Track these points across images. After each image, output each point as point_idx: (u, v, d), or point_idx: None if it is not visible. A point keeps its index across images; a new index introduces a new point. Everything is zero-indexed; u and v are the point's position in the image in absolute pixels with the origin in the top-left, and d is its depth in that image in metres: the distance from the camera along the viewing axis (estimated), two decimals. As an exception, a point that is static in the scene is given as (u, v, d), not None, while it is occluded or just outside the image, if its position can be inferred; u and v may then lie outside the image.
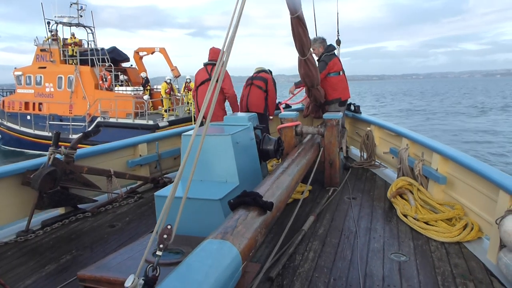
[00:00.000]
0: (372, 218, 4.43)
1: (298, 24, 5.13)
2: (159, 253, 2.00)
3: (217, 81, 2.04)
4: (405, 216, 4.31)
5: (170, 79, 21.64)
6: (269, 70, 7.42)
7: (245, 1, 2.03)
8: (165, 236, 1.93)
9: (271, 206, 2.78)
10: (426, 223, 4.09)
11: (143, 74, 22.58)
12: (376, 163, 6.72)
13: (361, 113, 7.84)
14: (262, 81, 7.02)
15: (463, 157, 4.18)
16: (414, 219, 4.17)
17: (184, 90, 21.67)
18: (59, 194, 4.49)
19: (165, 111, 20.10)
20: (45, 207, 4.45)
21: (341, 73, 7.17)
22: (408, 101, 64.49)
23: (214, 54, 6.39)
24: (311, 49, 5.67)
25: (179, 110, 20.54)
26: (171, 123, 18.60)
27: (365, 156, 6.89)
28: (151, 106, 20.77)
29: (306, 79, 6.15)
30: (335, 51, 7.38)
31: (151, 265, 1.82)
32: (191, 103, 20.77)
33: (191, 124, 18.43)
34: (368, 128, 6.84)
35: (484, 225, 3.83)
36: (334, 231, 4.09)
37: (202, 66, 6.63)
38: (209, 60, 6.51)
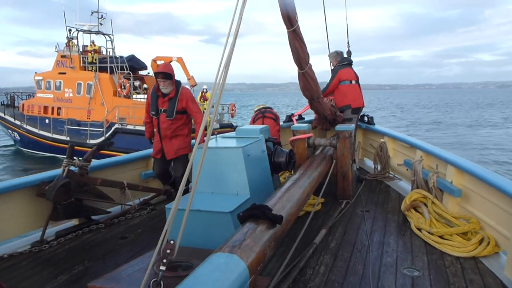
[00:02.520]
0: (385, 232, 4.36)
1: (294, 38, 5.16)
2: (162, 267, 2.01)
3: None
4: (419, 229, 4.24)
5: (191, 89, 21.86)
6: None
7: (243, 12, 2.05)
8: (168, 251, 1.94)
9: (280, 219, 2.76)
10: (441, 237, 4.02)
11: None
12: (390, 175, 6.64)
13: (374, 124, 7.80)
14: (273, 114, 7.19)
15: (478, 170, 4.11)
16: (428, 232, 4.09)
17: (200, 100, 21.87)
18: (73, 205, 4.55)
19: None
20: (60, 218, 4.51)
21: (353, 82, 7.33)
22: (442, 112, 63.10)
23: (165, 69, 5.18)
24: (310, 62, 5.71)
25: None
26: None
27: (379, 168, 6.83)
28: None
29: (305, 92, 6.19)
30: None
31: (155, 279, 1.83)
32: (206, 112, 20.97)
33: (206, 132, 18.60)
34: (382, 140, 6.78)
35: (501, 239, 3.74)
36: (346, 244, 4.04)
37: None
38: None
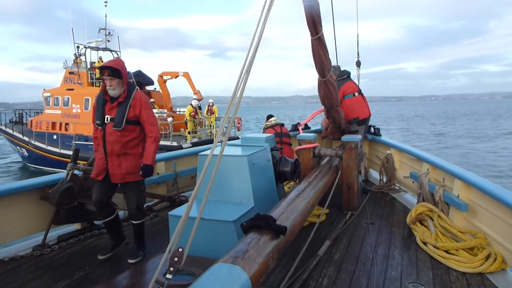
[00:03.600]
0: (390, 245, 4.30)
1: (318, 45, 5.12)
2: (169, 276, 1.98)
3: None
4: (425, 243, 4.18)
5: (198, 103, 21.98)
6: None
7: (265, 25, 2.04)
8: (176, 259, 1.90)
9: (284, 230, 2.72)
10: (447, 251, 3.95)
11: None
12: (396, 187, 6.58)
13: (381, 135, 7.74)
14: (289, 137, 7.08)
15: (486, 184, 4.05)
16: (434, 247, 4.03)
17: (207, 113, 21.99)
18: (76, 209, 4.53)
19: (189, 133, 20.35)
20: (62, 222, 4.50)
21: (356, 94, 7.29)
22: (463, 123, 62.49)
23: (113, 63, 4.24)
24: (331, 71, 5.67)
25: (202, 133, 20.88)
26: (194, 145, 18.98)
27: (384, 180, 6.77)
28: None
29: (325, 100, 6.13)
30: (356, 72, 7.50)
31: (160, 287, 1.79)
32: (213, 126, 21.28)
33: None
34: (388, 151, 6.73)
35: (508, 256, 3.67)
36: (350, 257, 3.99)
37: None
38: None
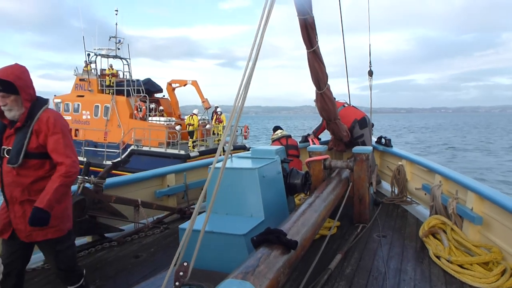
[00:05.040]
0: (402, 258, 4.24)
1: (314, 58, 5.16)
2: None
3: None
4: (438, 257, 4.11)
5: (205, 112, 22.19)
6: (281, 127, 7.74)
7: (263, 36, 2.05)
8: (181, 273, 1.89)
9: (295, 244, 2.70)
10: (461, 266, 3.88)
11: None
12: (408, 199, 6.51)
13: (392, 146, 7.69)
14: (296, 149, 7.14)
15: (500, 197, 3.98)
16: (448, 261, 3.96)
17: (215, 122, 22.14)
18: (87, 223, 4.55)
19: (193, 142, 20.49)
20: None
21: (345, 105, 7.71)
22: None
23: (4, 74, 2.83)
24: (328, 83, 5.71)
25: (209, 141, 20.99)
26: (202, 153, 19.09)
27: (396, 192, 6.70)
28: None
29: (323, 112, 6.19)
30: (368, 82, 7.76)
31: None
32: (221, 134, 21.41)
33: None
34: (400, 163, 6.67)
35: None
36: (362, 271, 3.93)
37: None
38: None
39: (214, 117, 22.33)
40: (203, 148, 20.21)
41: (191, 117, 21.37)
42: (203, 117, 23.17)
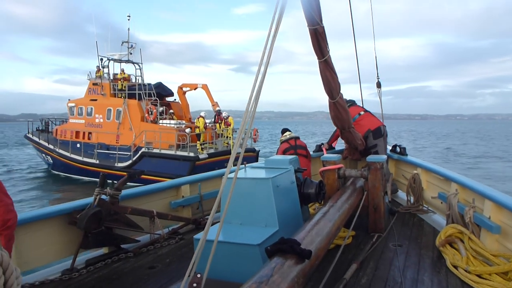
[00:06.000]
0: (419, 268, 4.19)
1: (325, 68, 5.17)
2: None
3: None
4: (455, 267, 4.05)
5: (214, 115, 22.56)
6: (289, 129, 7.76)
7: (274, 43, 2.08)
8: (194, 284, 1.91)
9: (309, 254, 2.69)
10: (479, 276, 3.81)
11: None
12: (424, 208, 6.43)
13: (407, 155, 7.62)
14: (304, 149, 7.19)
15: None
16: (465, 271, 3.90)
17: (219, 124, 22.51)
18: (103, 234, 4.60)
19: (201, 145, 20.78)
20: (90, 246, 4.57)
21: (362, 113, 7.60)
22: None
23: None
24: (341, 92, 5.71)
25: (218, 144, 21.29)
26: (211, 155, 19.45)
27: (412, 201, 6.63)
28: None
29: (336, 121, 6.19)
30: (377, 91, 7.73)
31: None
32: (230, 137, 21.85)
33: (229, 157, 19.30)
34: (415, 171, 6.60)
35: None
36: (378, 281, 3.89)
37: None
38: None
39: (217, 120, 22.69)
40: (212, 151, 20.51)
41: (197, 119, 21.72)
42: (212, 120, 23.52)
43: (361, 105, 8.09)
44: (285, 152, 7.17)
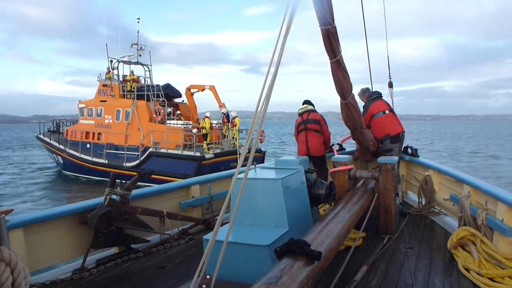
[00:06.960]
0: (430, 271, 4.14)
1: (337, 68, 5.14)
2: None
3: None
4: (467, 270, 4.00)
5: (221, 116, 22.76)
6: (310, 102, 7.68)
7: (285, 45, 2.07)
8: (204, 285, 1.90)
9: (319, 255, 2.68)
10: (491, 279, 3.76)
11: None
12: (436, 210, 6.36)
13: (418, 156, 7.56)
14: (316, 123, 7.16)
15: None
16: (478, 274, 3.85)
17: (225, 125, 22.68)
18: (114, 234, 4.63)
19: (208, 144, 20.97)
20: (100, 246, 4.60)
21: (386, 111, 7.37)
22: None
23: None
24: (352, 92, 5.68)
25: (225, 144, 21.47)
26: (217, 155, 19.69)
27: (423, 202, 6.56)
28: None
29: (348, 122, 6.15)
30: (389, 91, 7.70)
31: None
32: (236, 138, 22.07)
33: (236, 157, 20.05)
34: (427, 173, 6.54)
35: None
36: (388, 283, 3.86)
37: None
38: None
39: (225, 120, 22.76)
40: (218, 151, 20.71)
41: (203, 120, 21.93)
42: (219, 121, 23.71)
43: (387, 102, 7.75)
44: (298, 127, 7.21)
